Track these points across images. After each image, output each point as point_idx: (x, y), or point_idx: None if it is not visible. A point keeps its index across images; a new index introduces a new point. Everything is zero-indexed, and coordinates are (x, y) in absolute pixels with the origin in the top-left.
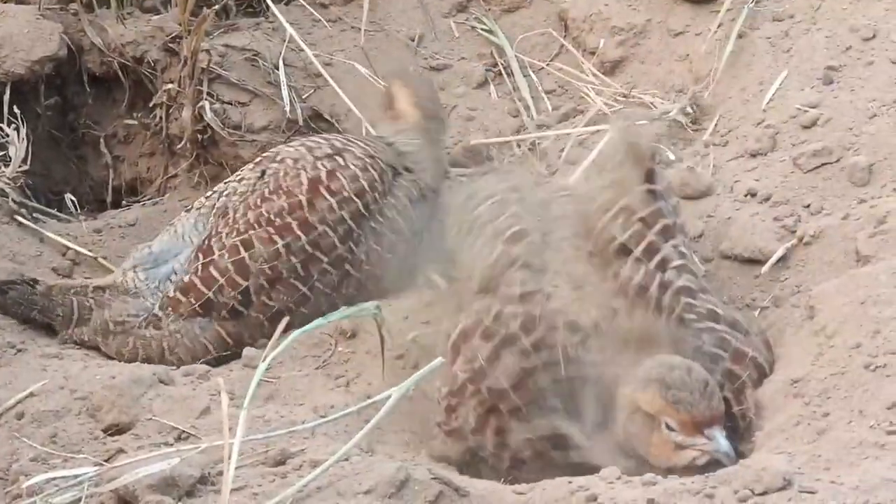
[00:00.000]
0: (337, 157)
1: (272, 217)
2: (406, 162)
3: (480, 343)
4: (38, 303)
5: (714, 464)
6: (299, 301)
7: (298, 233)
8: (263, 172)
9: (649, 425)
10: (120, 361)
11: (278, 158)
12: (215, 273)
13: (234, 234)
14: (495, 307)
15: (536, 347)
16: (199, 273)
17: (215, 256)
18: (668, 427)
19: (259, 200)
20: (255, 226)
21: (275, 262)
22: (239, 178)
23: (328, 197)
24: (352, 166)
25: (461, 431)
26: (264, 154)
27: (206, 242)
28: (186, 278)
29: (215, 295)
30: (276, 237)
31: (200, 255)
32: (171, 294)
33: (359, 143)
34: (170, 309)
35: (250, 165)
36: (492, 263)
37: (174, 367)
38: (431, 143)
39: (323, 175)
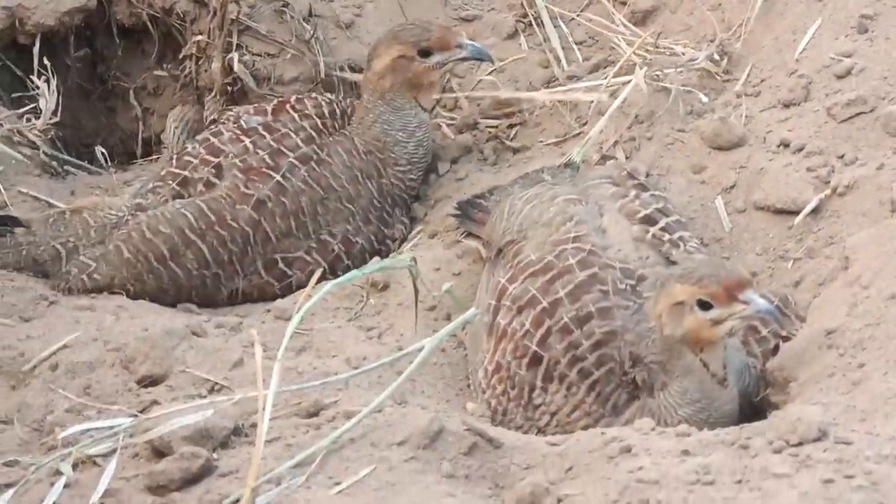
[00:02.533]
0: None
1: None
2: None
3: None
4: (24, 246)
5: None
6: (276, 190)
7: (263, 133)
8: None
9: (683, 312)
10: (117, 285)
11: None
12: (189, 158)
13: (206, 132)
14: None
15: None
16: (174, 163)
17: (189, 149)
18: (702, 306)
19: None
20: (223, 123)
21: (244, 156)
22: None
23: (291, 112)
24: (310, 101)
25: None
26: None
27: (178, 151)
28: (162, 172)
29: (191, 172)
30: (242, 137)
31: (174, 156)
32: (150, 186)
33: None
34: (150, 195)
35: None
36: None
37: (206, 319)
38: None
39: (292, 99)
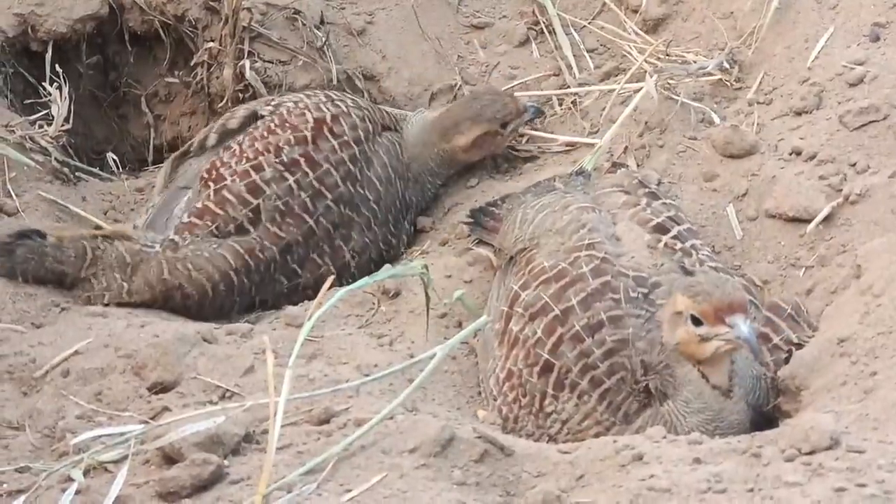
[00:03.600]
0: (339, 103)
1: (280, 145)
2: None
3: None
4: (49, 253)
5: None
6: (307, 234)
7: (306, 169)
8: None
9: (678, 322)
10: (146, 296)
11: (273, 103)
12: (229, 195)
13: (244, 160)
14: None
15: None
16: (213, 197)
17: (228, 182)
18: (693, 321)
19: (265, 132)
20: (264, 152)
21: (287, 198)
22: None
23: (330, 137)
24: (346, 122)
25: None
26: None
27: (213, 173)
28: (199, 204)
29: (226, 212)
30: (286, 174)
31: (211, 184)
32: (186, 220)
33: (349, 97)
34: (186, 232)
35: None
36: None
37: (217, 326)
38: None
39: (327, 117)
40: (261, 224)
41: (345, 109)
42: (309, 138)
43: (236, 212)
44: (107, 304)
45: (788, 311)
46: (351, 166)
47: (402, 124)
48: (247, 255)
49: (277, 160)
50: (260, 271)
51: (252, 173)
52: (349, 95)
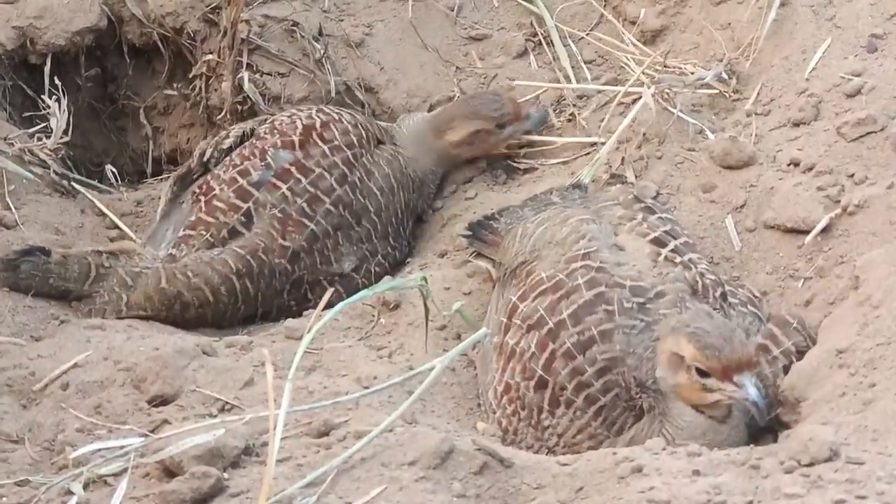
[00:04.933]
0: (330, 113)
1: (266, 148)
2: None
3: None
4: (54, 271)
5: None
6: (311, 239)
7: (298, 176)
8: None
9: (680, 366)
10: (145, 307)
11: (269, 120)
12: (219, 204)
13: (231, 168)
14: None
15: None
16: (204, 209)
17: (216, 191)
18: (698, 372)
19: (255, 140)
20: (250, 157)
21: (283, 205)
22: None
23: (320, 142)
24: (337, 128)
25: None
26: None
27: (203, 187)
28: (193, 217)
29: (217, 219)
30: (279, 183)
31: (202, 197)
32: (181, 233)
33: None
34: (182, 245)
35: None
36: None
37: (217, 339)
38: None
39: (317, 124)
40: (254, 226)
41: (336, 117)
42: (297, 143)
43: (227, 217)
44: (106, 318)
45: (794, 324)
46: (346, 170)
47: (395, 129)
48: (249, 256)
49: (263, 163)
50: (265, 276)
51: (239, 178)
52: (346, 110)
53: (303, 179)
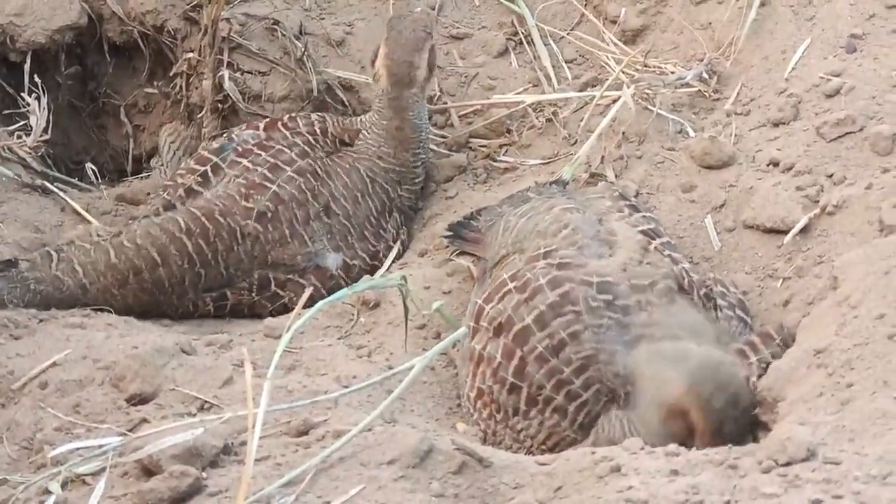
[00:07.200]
0: (301, 114)
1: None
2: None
3: None
4: (29, 276)
5: None
6: (274, 199)
7: (258, 151)
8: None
9: (678, 418)
10: (101, 287)
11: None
12: (179, 172)
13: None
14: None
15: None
16: (167, 178)
17: (180, 169)
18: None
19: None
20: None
21: (245, 175)
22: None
23: (283, 129)
24: (302, 120)
25: None
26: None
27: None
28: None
29: (175, 181)
30: (238, 158)
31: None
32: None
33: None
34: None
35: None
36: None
37: (196, 337)
38: (395, 113)
39: (284, 118)
40: (213, 188)
41: (304, 115)
42: (261, 126)
43: (184, 179)
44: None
45: (777, 340)
46: (307, 149)
47: (359, 121)
48: (203, 217)
49: (226, 137)
50: (223, 238)
51: (201, 151)
52: (318, 114)
53: (263, 153)
